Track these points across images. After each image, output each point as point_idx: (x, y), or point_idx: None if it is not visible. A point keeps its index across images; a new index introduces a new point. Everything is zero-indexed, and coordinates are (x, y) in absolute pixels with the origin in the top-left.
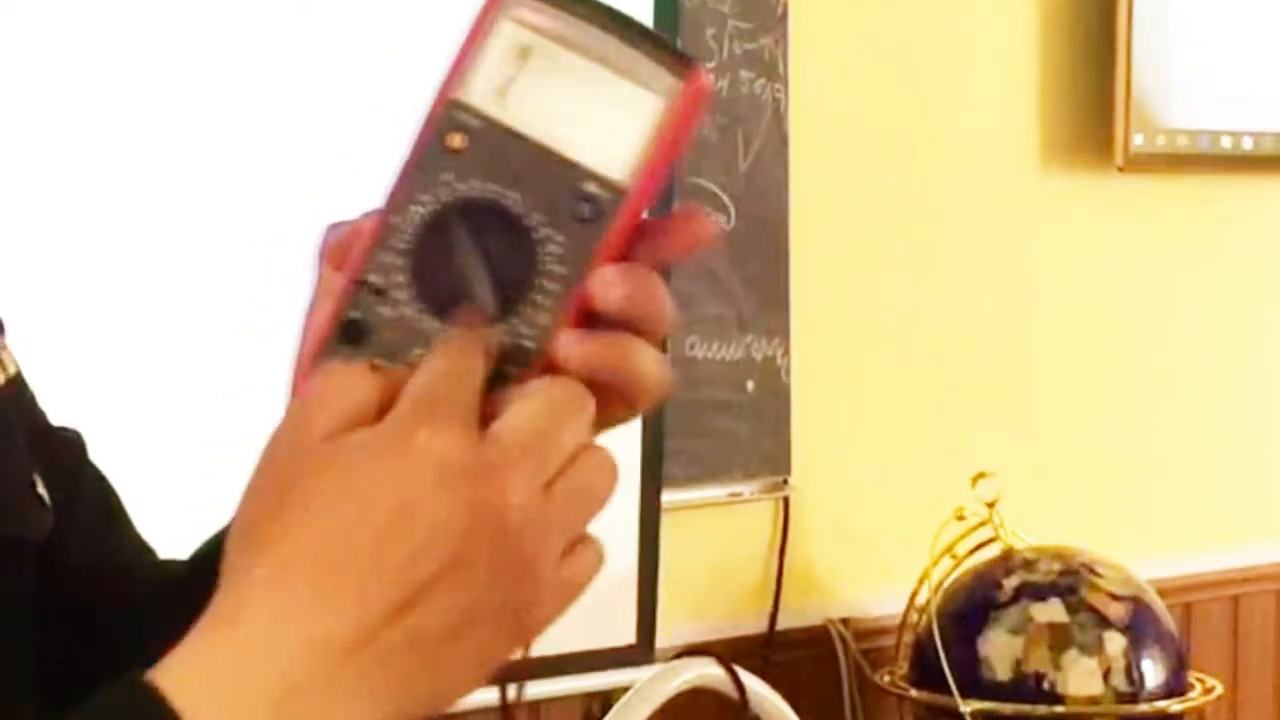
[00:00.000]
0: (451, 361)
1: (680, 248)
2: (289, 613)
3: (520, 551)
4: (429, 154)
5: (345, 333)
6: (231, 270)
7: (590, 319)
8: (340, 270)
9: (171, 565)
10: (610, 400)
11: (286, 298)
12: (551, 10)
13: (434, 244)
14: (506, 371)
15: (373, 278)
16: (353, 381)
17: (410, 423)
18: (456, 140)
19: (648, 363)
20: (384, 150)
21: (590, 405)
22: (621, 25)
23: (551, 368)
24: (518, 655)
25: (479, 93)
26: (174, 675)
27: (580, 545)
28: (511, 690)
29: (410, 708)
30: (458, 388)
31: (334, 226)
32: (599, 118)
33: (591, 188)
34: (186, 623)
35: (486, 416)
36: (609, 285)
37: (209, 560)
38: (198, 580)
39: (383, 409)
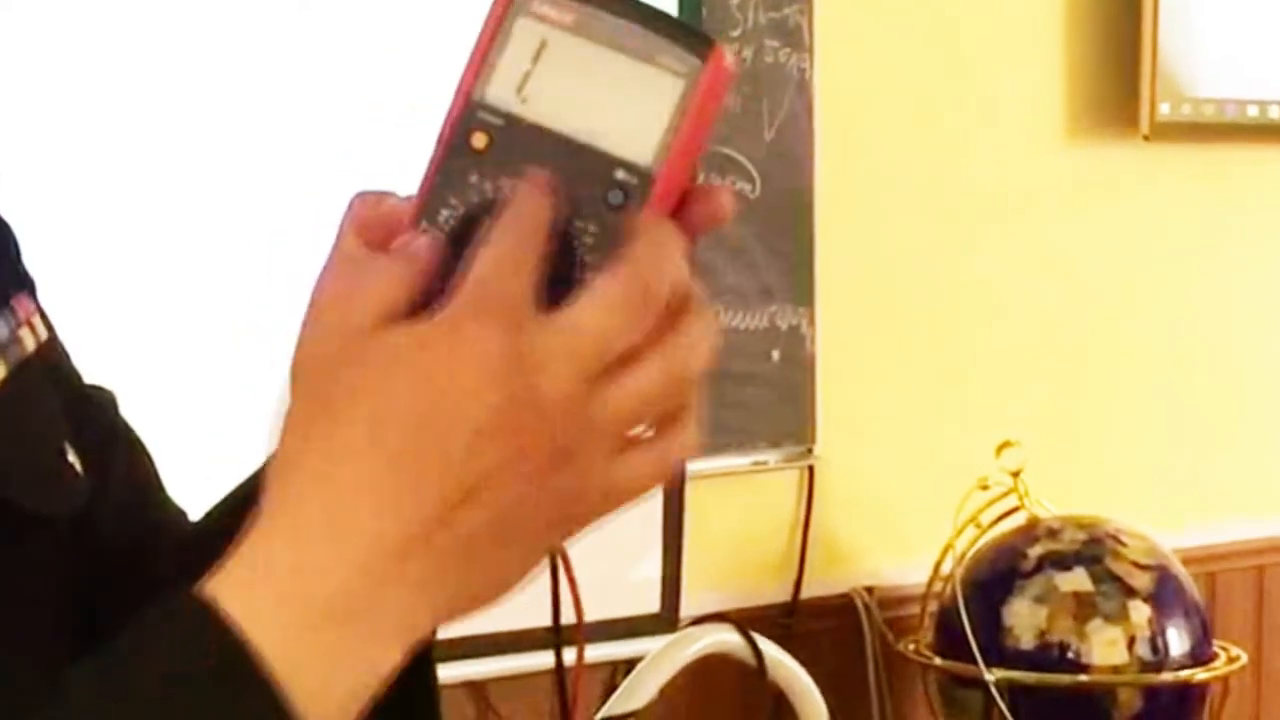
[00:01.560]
0: (509, 245)
1: (698, 224)
2: (337, 512)
3: (560, 446)
4: (453, 156)
5: None
6: (231, 270)
7: None
8: (370, 244)
9: (201, 524)
10: None
11: (286, 298)
12: (565, 2)
13: (467, 246)
14: None
15: None
16: (387, 273)
17: (460, 315)
18: (479, 140)
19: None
20: (384, 150)
21: (656, 305)
22: (638, 11)
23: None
24: (562, 546)
25: (498, 91)
26: (226, 585)
27: (637, 449)
28: (569, 654)
29: (462, 601)
30: (513, 275)
31: (362, 195)
32: (622, 105)
33: (621, 174)
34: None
35: (561, 299)
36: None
37: (233, 514)
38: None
39: (422, 299)
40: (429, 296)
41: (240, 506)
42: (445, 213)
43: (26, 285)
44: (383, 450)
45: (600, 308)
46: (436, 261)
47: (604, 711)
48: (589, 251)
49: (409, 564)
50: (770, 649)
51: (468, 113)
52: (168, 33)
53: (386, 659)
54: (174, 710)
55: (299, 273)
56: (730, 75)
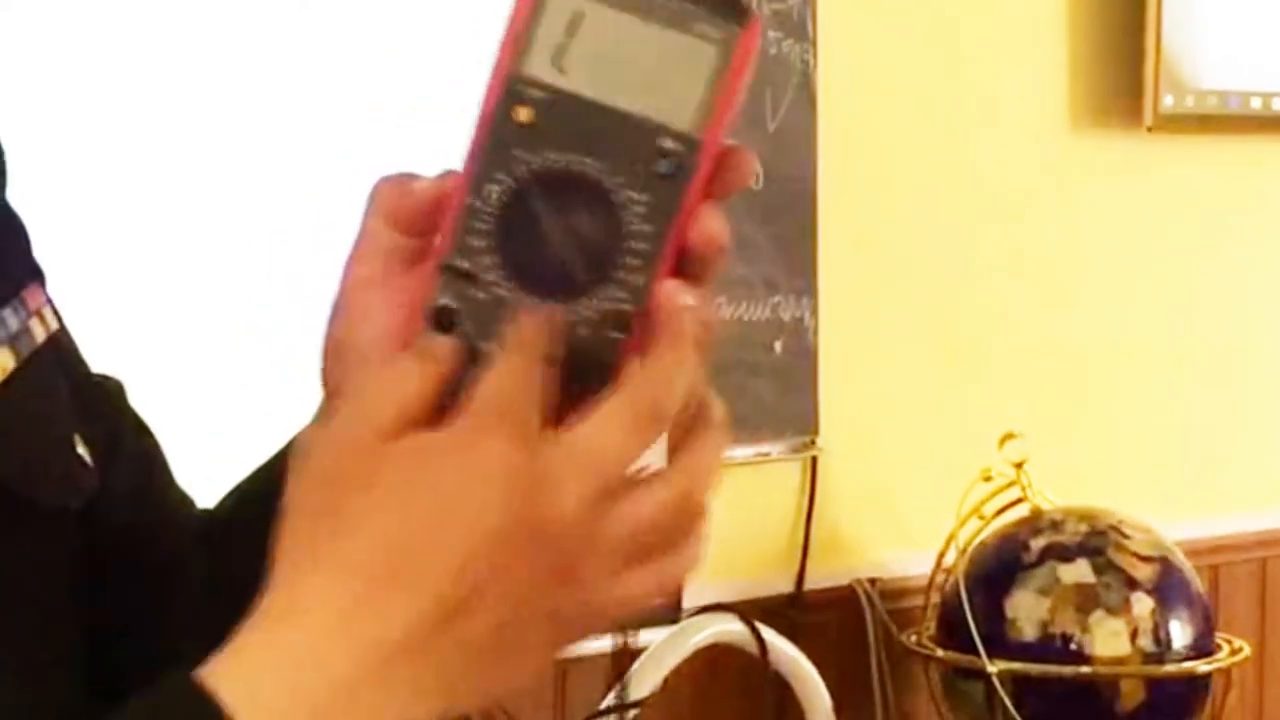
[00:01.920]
0: (518, 362)
1: (727, 186)
2: (343, 613)
3: (564, 564)
4: (497, 131)
5: (437, 320)
6: (231, 270)
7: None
8: (396, 228)
9: (209, 516)
10: None
11: (286, 298)
12: None
13: (517, 220)
14: (610, 337)
15: (459, 262)
16: (408, 375)
17: (475, 430)
18: (523, 114)
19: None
20: (384, 150)
21: (661, 428)
22: None
23: (652, 326)
24: (559, 656)
25: (537, 64)
26: (224, 672)
27: (642, 567)
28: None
29: (453, 705)
30: (523, 391)
31: (386, 180)
32: (660, 73)
33: (667, 143)
34: (222, 582)
35: (573, 411)
36: (714, 231)
37: (241, 517)
38: (232, 536)
39: (439, 402)
40: (449, 392)
41: (251, 497)
42: (492, 188)
43: (38, 276)
44: (388, 557)
45: (610, 427)
46: (457, 365)
47: (609, 700)
48: (642, 222)
49: (406, 668)
50: (774, 638)
51: (509, 86)
52: (168, 32)
53: None
54: None
55: (299, 273)
56: (759, 38)
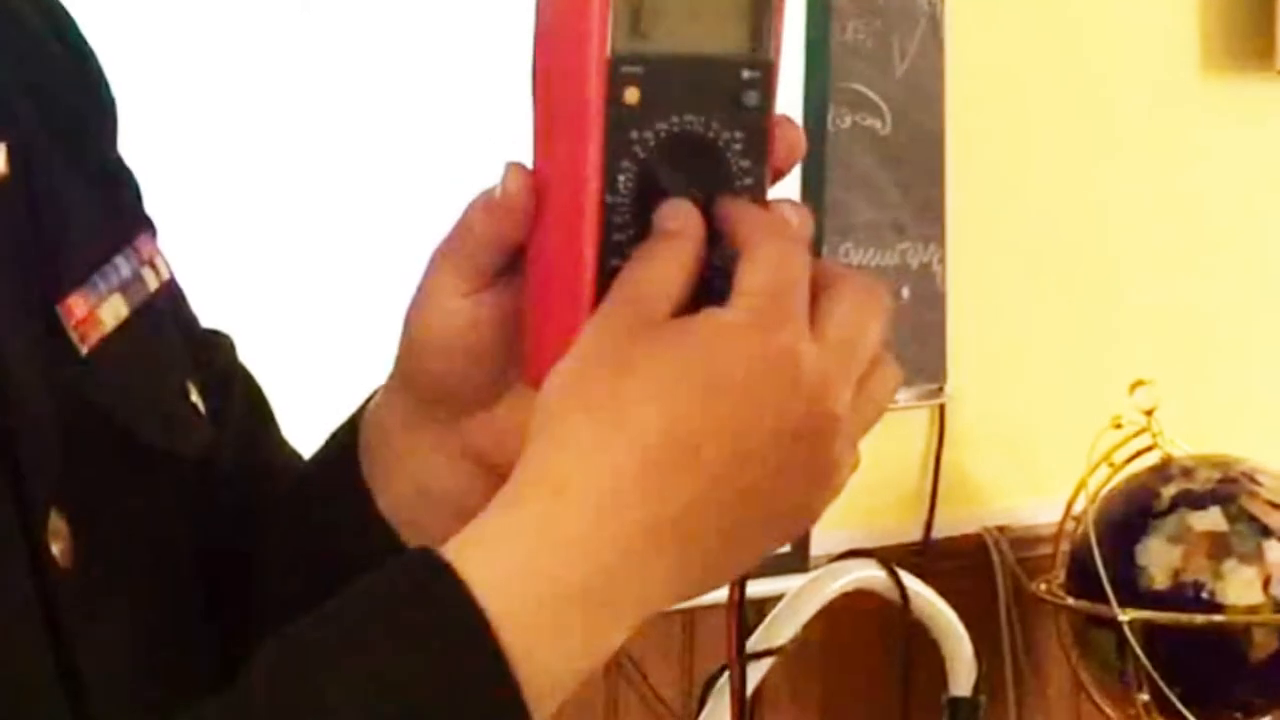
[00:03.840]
0: (784, 248)
1: (780, 162)
2: (613, 492)
3: (826, 461)
4: (612, 120)
5: None
6: (233, 270)
7: None
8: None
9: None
10: None
11: (286, 298)
12: None
13: (649, 200)
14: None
15: (615, 262)
16: (674, 260)
17: (760, 317)
18: (632, 95)
19: None
20: (384, 150)
21: (888, 304)
22: None
23: None
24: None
25: (622, 38)
26: (472, 547)
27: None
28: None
29: (701, 589)
30: (796, 280)
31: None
32: (719, 7)
33: (746, 74)
34: (322, 521)
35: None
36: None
37: (340, 458)
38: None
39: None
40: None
41: (341, 455)
42: (623, 179)
43: (148, 226)
44: (668, 440)
45: (862, 318)
46: (706, 239)
47: (749, 647)
48: (743, 157)
49: (672, 552)
50: (915, 585)
51: (609, 70)
52: (167, 33)
53: (618, 639)
54: (398, 660)
55: (299, 273)
56: None
